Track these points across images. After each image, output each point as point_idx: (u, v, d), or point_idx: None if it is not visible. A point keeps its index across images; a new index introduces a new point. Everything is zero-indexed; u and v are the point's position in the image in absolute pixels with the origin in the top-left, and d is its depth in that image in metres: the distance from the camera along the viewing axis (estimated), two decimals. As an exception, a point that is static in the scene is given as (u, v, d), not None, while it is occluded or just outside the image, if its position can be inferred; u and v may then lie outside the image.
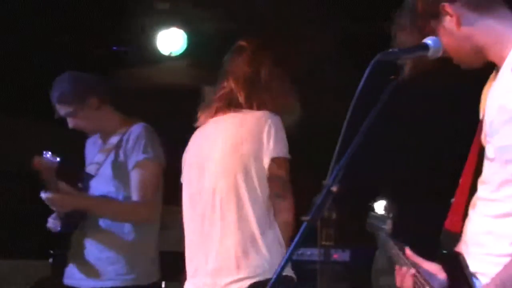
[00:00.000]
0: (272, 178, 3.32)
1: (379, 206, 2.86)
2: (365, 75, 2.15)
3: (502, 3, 2.46)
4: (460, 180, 2.60)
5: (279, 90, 3.44)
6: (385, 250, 2.77)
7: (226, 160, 3.34)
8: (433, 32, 2.47)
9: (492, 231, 2.41)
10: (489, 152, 2.43)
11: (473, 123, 2.64)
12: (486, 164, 2.46)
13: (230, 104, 3.42)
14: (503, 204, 2.39)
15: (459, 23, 2.44)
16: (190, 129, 3.59)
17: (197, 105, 3.64)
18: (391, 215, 2.83)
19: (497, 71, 2.49)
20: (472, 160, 2.57)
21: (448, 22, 2.46)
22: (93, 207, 3.98)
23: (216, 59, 6.13)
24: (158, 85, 6.32)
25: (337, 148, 2.15)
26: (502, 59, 2.43)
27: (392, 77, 2.24)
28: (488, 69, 2.53)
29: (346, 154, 2.14)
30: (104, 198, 4.00)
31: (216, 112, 3.47)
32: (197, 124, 3.57)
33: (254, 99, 3.40)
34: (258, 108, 3.38)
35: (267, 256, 3.26)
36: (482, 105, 2.60)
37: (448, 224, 2.62)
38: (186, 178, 3.52)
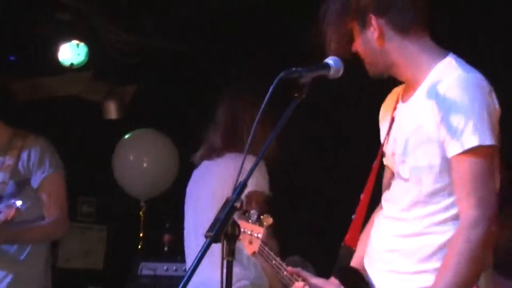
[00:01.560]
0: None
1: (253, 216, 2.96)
2: (269, 93, 2.17)
3: (427, 32, 2.51)
4: (361, 197, 2.65)
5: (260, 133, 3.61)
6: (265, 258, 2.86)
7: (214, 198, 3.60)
8: (352, 33, 2.52)
9: (398, 249, 2.47)
10: (403, 172, 2.47)
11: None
12: (398, 184, 2.50)
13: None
14: (412, 224, 2.45)
15: (380, 38, 2.49)
16: (86, 140, 3.59)
17: (100, 118, 3.65)
18: (265, 224, 2.89)
19: (406, 91, 2.55)
20: (372, 177, 2.63)
21: (371, 33, 2.50)
22: (17, 238, 3.86)
23: (117, 71, 6.08)
24: (57, 97, 6.20)
25: (241, 163, 2.16)
26: (417, 82, 2.48)
27: (296, 95, 2.27)
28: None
29: (249, 171, 2.16)
30: (25, 226, 3.87)
31: (201, 158, 3.80)
32: (194, 160, 3.85)
33: (235, 145, 3.64)
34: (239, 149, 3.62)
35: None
36: (383, 122, 2.66)
37: (348, 240, 2.67)
38: (188, 209, 3.82)
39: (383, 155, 2.62)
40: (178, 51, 5.78)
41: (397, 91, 2.65)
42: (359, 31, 2.51)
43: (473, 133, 2.30)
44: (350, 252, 2.65)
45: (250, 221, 3.00)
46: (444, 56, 2.48)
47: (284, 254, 3.02)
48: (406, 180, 2.47)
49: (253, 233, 2.98)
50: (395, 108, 2.60)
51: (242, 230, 2.71)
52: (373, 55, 2.52)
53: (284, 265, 2.78)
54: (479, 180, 2.31)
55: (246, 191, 3.44)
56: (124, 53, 5.58)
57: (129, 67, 5.73)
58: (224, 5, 5.24)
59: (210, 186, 3.67)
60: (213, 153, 3.71)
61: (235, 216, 2.14)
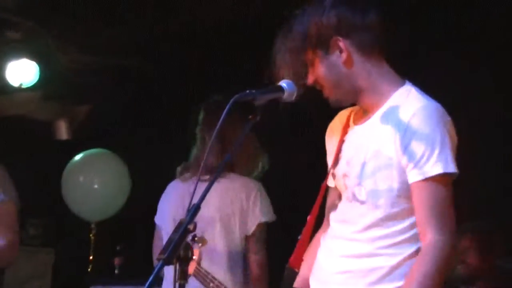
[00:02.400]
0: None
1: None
2: (223, 115, 2.16)
3: (384, 57, 2.54)
4: (308, 218, 2.65)
5: (251, 151, 3.72)
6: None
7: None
8: (312, 61, 2.49)
9: (350, 271, 2.47)
10: (359, 194, 2.49)
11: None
12: (353, 205, 2.52)
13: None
14: (364, 245, 2.47)
15: (348, 61, 2.49)
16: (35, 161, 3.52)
17: (50, 138, 3.59)
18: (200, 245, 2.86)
19: (359, 115, 2.57)
20: (320, 198, 2.63)
21: (336, 56, 2.49)
22: None
23: (68, 91, 6.00)
24: (6, 117, 6.10)
25: (195, 185, 2.15)
26: (375, 106, 2.51)
27: (250, 117, 2.26)
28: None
29: (203, 192, 2.14)
30: None
31: (192, 175, 3.75)
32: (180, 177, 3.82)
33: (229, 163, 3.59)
34: (233, 170, 3.66)
35: None
36: (330, 144, 2.65)
37: (293, 261, 2.66)
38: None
39: (331, 176, 2.63)
40: (132, 70, 5.74)
41: (345, 113, 2.66)
42: (322, 57, 2.49)
43: (437, 161, 2.38)
44: (294, 274, 2.65)
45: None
46: (402, 82, 2.53)
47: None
48: (362, 202, 2.48)
49: None
50: (345, 131, 2.60)
51: None
52: (339, 80, 2.50)
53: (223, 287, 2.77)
54: (443, 206, 2.39)
55: (258, 221, 3.55)
56: (78, 72, 5.52)
57: (82, 86, 5.67)
58: (179, 25, 5.22)
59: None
60: (208, 172, 3.55)
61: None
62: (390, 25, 2.54)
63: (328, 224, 2.63)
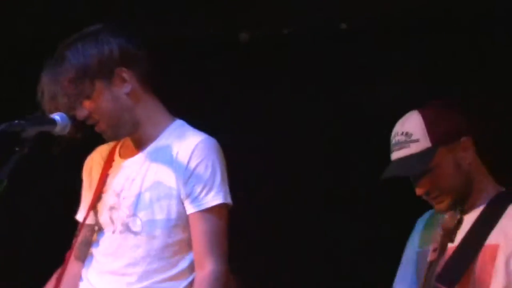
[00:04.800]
0: None
1: None
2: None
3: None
4: (67, 254, 2.60)
5: None
6: None
7: None
8: (89, 93, 2.42)
9: None
10: (134, 225, 2.47)
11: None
12: (125, 237, 2.49)
13: None
14: (138, 280, 2.46)
15: (132, 93, 2.47)
16: None
17: None
18: None
19: (128, 148, 2.57)
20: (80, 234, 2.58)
21: (119, 88, 2.46)
22: None
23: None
24: None
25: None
26: (148, 140, 2.53)
27: (17, 149, 2.19)
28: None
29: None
30: None
31: None
32: None
33: None
34: None
35: None
36: (90, 178, 2.62)
37: None
38: None
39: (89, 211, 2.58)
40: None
41: (105, 148, 2.64)
42: (104, 89, 2.45)
43: (218, 192, 2.45)
44: None
45: None
46: (173, 117, 2.59)
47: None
48: (136, 233, 2.48)
49: None
50: (109, 165, 2.59)
51: None
52: (121, 112, 2.48)
53: None
54: (221, 236, 2.46)
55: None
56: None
57: None
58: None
59: None
60: None
61: None
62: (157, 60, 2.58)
63: (79, 261, 2.57)
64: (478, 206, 2.49)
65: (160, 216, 2.47)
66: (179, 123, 2.58)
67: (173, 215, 2.47)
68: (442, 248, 2.32)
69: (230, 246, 2.49)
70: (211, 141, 2.52)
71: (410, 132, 2.51)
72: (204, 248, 2.44)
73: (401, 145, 2.52)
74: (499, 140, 3.13)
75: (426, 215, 2.67)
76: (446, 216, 2.42)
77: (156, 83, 2.56)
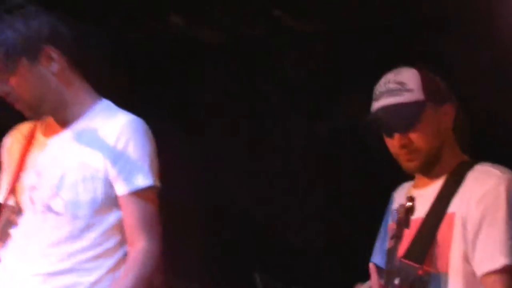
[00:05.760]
0: None
1: None
2: None
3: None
4: None
5: None
6: None
7: None
8: (9, 72, 2.38)
9: None
10: (56, 206, 2.42)
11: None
12: (48, 218, 2.44)
13: None
14: (61, 261, 2.41)
15: (59, 72, 2.44)
16: None
17: None
18: None
19: (51, 127, 2.52)
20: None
21: (46, 67, 2.43)
22: None
23: None
24: None
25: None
26: (72, 119, 2.49)
27: None
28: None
29: None
30: None
31: None
32: None
33: None
34: None
35: None
36: (10, 158, 2.56)
37: None
38: None
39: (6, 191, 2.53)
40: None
41: (26, 126, 2.60)
42: (29, 67, 2.40)
43: (147, 174, 2.44)
44: None
45: None
46: (99, 97, 2.55)
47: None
48: (58, 214, 2.42)
49: None
50: (30, 143, 2.54)
51: None
52: (46, 91, 2.44)
53: None
54: (152, 217, 2.45)
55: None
56: None
57: None
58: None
59: None
60: None
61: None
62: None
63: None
64: (443, 174, 2.47)
65: (84, 197, 2.42)
66: (105, 103, 2.54)
67: (99, 196, 2.43)
68: (399, 235, 2.29)
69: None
70: (140, 122, 2.49)
71: (405, 82, 2.44)
72: (135, 229, 2.42)
73: (394, 92, 2.44)
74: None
75: (400, 188, 2.65)
76: (399, 205, 2.40)
77: (83, 64, 2.53)
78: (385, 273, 2.18)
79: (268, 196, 4.30)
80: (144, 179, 2.43)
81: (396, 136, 2.45)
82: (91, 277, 2.41)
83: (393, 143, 2.47)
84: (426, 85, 2.45)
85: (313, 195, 4.23)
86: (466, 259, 2.32)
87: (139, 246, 2.41)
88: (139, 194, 2.43)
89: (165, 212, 2.54)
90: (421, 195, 2.46)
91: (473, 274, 2.32)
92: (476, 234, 2.31)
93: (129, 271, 2.40)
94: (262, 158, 4.38)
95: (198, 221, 4.17)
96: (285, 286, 3.45)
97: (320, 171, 4.19)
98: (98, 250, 2.43)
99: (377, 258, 2.57)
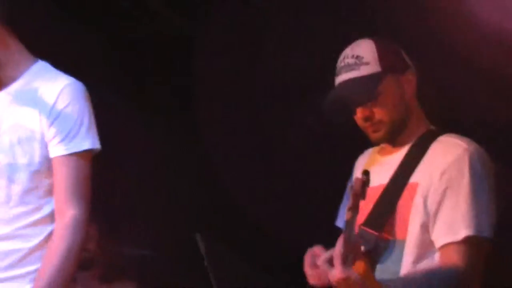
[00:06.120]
0: None
1: None
2: None
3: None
4: None
5: None
6: None
7: None
8: None
9: None
10: None
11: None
12: None
13: None
14: (0, 227, 2.38)
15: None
16: None
17: None
18: None
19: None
20: None
21: None
22: None
23: None
24: None
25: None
26: (10, 80, 2.45)
27: None
28: None
29: None
30: None
31: None
32: None
33: None
34: None
35: None
36: None
37: None
38: None
39: None
40: None
41: None
42: None
43: (85, 137, 2.41)
44: None
45: None
46: (35, 58, 2.51)
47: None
48: None
49: None
50: None
51: None
52: None
53: None
54: (85, 182, 2.40)
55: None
56: None
57: None
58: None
59: None
60: None
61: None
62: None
63: None
64: (408, 143, 2.48)
65: (22, 160, 2.38)
66: (42, 64, 2.50)
67: (37, 159, 2.39)
68: (355, 207, 2.27)
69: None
70: (80, 86, 2.46)
71: (361, 55, 2.46)
72: (66, 194, 2.37)
73: (351, 67, 2.46)
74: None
75: (365, 153, 2.67)
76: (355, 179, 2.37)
77: (19, 26, 2.48)
78: (344, 241, 2.17)
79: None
80: (81, 142, 2.40)
81: (358, 109, 2.47)
82: (30, 243, 2.37)
83: (357, 117, 2.49)
84: (382, 56, 2.46)
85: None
86: (425, 229, 2.34)
87: (69, 215, 2.36)
88: (74, 157, 2.39)
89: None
90: (386, 162, 2.49)
91: (430, 243, 2.34)
92: (439, 204, 2.33)
93: (60, 241, 2.34)
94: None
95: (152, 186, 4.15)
96: (227, 248, 3.44)
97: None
98: (37, 216, 2.39)
99: (341, 222, 2.59)
